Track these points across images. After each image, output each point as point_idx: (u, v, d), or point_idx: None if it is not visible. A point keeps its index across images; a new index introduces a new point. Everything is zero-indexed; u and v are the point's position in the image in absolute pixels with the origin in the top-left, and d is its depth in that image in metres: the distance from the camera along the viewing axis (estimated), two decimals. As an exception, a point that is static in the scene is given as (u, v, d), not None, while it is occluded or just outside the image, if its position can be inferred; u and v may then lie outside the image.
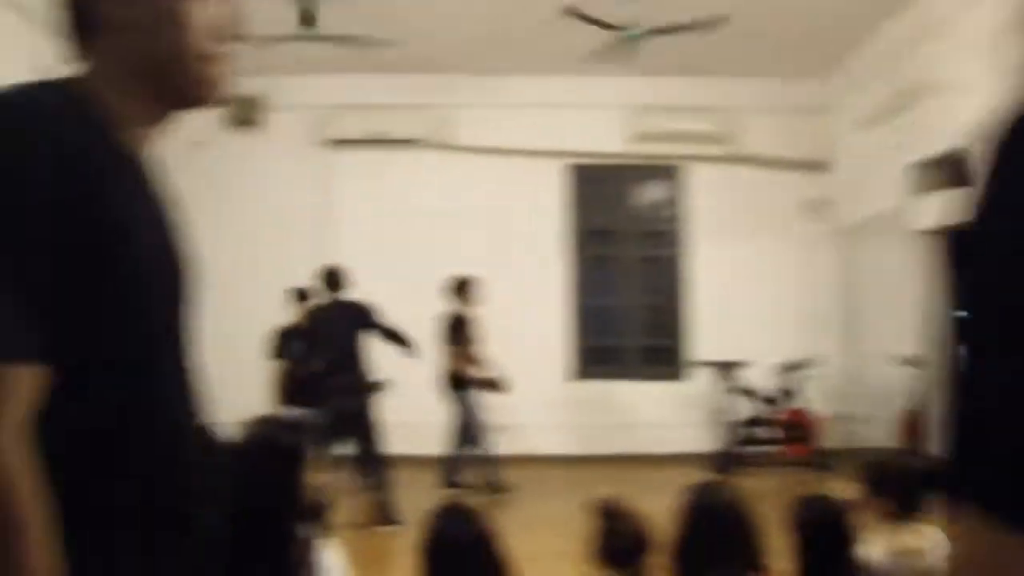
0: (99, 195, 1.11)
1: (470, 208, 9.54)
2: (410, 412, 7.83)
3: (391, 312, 9.34)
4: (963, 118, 7.23)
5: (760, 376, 9.27)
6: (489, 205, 9.58)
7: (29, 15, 6.62)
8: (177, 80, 1.25)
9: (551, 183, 9.83)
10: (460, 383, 7.62)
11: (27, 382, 1.04)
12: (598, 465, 9.03)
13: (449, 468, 7.77)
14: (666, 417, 9.63)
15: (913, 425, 8.05)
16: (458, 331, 7.65)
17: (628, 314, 10.07)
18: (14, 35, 6.79)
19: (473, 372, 7.67)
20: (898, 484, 3.36)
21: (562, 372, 9.75)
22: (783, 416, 9.25)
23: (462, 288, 7.86)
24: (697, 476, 8.34)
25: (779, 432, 9.23)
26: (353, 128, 9.37)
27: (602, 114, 9.71)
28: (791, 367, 9.07)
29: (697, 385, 9.73)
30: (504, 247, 9.50)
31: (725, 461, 8.94)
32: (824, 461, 8.94)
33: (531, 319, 9.30)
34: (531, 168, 9.69)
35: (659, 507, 7.12)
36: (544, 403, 9.03)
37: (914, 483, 3.39)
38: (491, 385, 7.75)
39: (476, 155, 9.62)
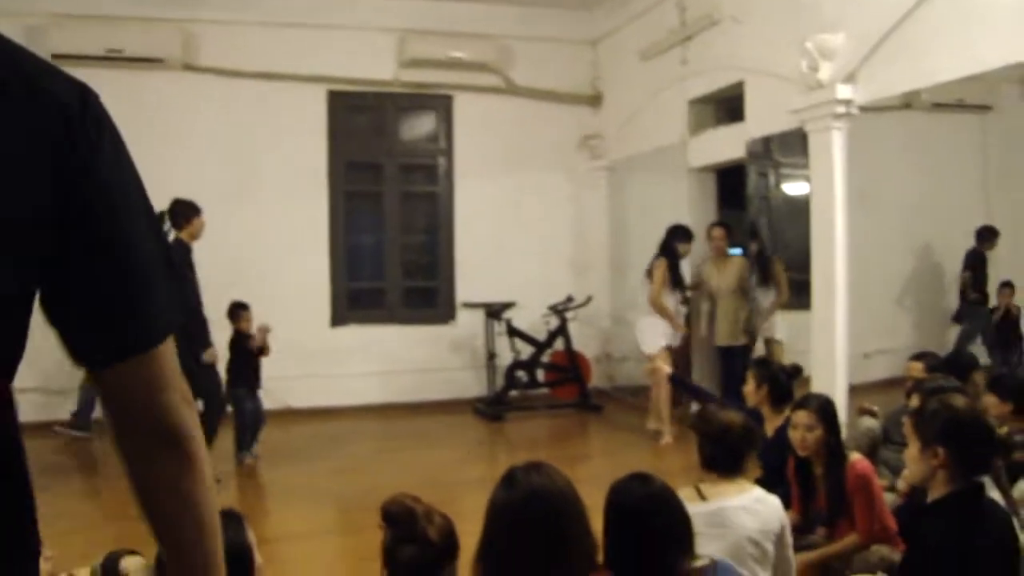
0: None
1: (219, 138, 8.58)
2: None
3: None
4: (741, 53, 7.20)
5: (529, 317, 9.05)
6: (242, 135, 8.65)
7: None
8: None
9: (312, 111, 9.01)
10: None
11: None
12: (363, 416, 8.55)
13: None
14: (433, 362, 9.22)
15: (674, 363, 8.06)
16: None
17: (391, 254, 9.50)
18: None
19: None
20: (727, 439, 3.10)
21: (325, 318, 9.07)
22: (552, 358, 9.10)
23: None
24: (471, 424, 8.29)
25: (549, 374, 9.07)
26: (79, 42, 8.05)
27: (368, 37, 8.94)
28: (560, 307, 8.89)
29: (464, 328, 9.39)
30: (260, 181, 8.65)
31: (495, 406, 8.69)
32: (593, 402, 8.90)
33: (290, 260, 8.56)
34: (290, 94, 8.82)
35: (433, 460, 6.89)
36: (306, 352, 8.34)
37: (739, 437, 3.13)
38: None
39: (226, 78, 8.63)
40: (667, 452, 7.05)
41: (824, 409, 3.91)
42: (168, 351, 0.97)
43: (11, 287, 0.87)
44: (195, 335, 5.96)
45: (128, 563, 2.40)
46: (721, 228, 7.59)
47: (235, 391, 6.66)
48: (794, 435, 3.91)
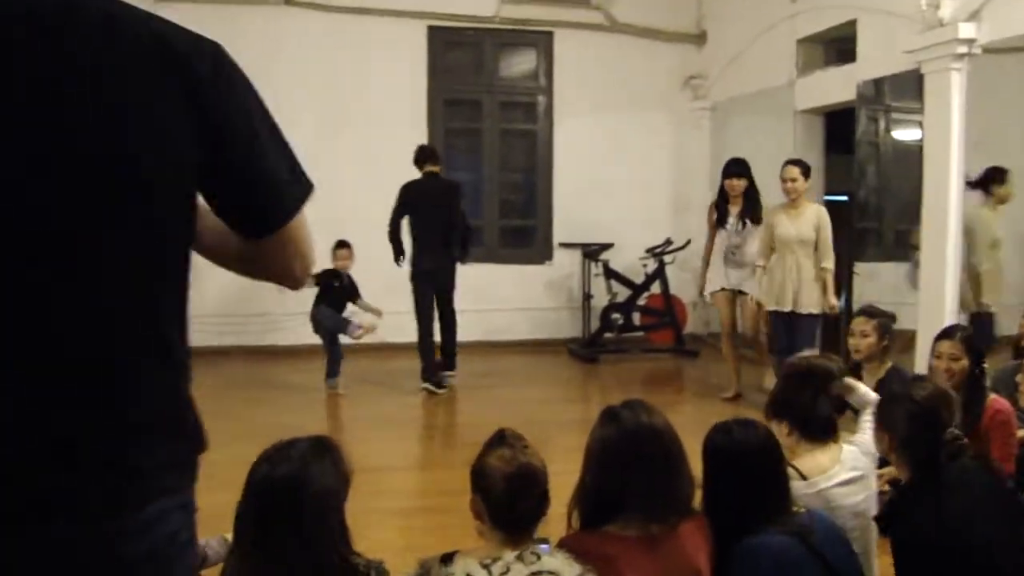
0: None
1: (319, 74, 8.65)
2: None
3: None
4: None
5: (626, 259, 8.97)
6: (341, 70, 8.71)
7: None
8: None
9: (411, 47, 9.00)
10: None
11: None
12: (457, 353, 8.61)
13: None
14: (529, 302, 9.23)
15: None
16: None
17: (489, 192, 9.48)
18: None
19: None
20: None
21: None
22: (648, 301, 9.01)
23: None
24: (565, 364, 8.30)
25: (644, 317, 9.00)
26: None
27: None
28: (658, 250, 8.77)
29: (561, 268, 9.36)
30: (359, 116, 8.71)
31: (589, 348, 8.67)
32: (688, 348, 8.81)
33: (388, 197, 8.61)
34: (389, 29, 8.82)
35: (524, 399, 6.93)
36: (402, 288, 8.40)
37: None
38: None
39: (327, 13, 8.67)
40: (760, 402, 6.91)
41: (970, 340, 3.83)
42: (296, 227, 1.36)
43: (177, 189, 1.24)
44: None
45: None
46: (795, 167, 6.25)
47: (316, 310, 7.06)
48: (938, 364, 3.83)
